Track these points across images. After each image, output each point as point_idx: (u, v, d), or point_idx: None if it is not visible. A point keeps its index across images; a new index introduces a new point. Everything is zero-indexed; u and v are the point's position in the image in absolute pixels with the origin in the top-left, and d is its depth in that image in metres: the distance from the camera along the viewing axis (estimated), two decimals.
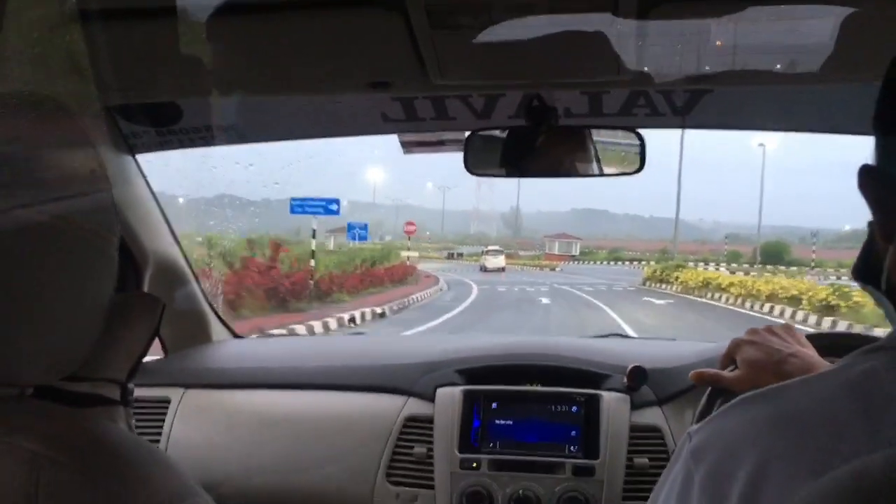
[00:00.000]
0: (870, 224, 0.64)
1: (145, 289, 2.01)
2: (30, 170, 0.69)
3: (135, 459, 0.74)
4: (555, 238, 79.62)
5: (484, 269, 46.03)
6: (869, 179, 0.63)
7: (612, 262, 65.86)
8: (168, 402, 2.07)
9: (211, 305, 2.42)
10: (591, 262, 66.79)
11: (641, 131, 1.76)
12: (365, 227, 31.57)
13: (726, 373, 1.32)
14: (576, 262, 65.58)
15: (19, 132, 0.70)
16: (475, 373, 2.02)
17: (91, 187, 0.75)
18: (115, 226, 0.78)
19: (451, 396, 1.94)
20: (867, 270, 0.64)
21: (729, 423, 0.70)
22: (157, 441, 2.00)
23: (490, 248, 56.82)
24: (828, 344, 1.53)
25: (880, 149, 0.63)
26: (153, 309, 0.88)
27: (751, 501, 0.61)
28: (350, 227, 31.26)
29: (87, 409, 0.79)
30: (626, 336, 2.52)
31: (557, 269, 52.70)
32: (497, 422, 1.91)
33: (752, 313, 19.54)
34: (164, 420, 2.04)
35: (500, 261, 48.47)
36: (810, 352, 1.28)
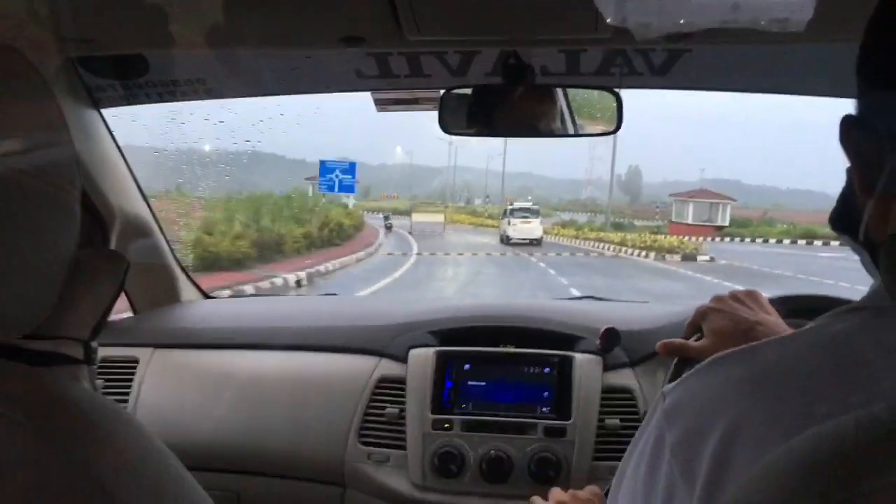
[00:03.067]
0: (848, 172, 0.63)
1: (112, 247, 1.96)
2: None
3: (98, 419, 0.72)
4: (688, 198, 45.43)
5: (506, 240, 30.40)
6: (851, 130, 0.62)
7: (796, 242, 35.91)
8: (137, 362, 2.05)
9: (181, 265, 2.38)
10: (753, 241, 38.19)
11: (621, 91, 1.74)
12: (350, 170, 24.01)
13: (693, 342, 1.32)
14: (726, 241, 37.43)
15: None
16: (448, 334, 2.02)
17: (50, 139, 0.72)
18: (77, 179, 0.75)
19: (424, 357, 1.94)
20: (844, 221, 0.63)
21: (702, 383, 0.69)
22: (126, 402, 1.98)
23: (517, 204, 35.98)
24: (793, 307, 1.55)
25: (863, 100, 0.62)
26: (117, 266, 0.86)
27: (722, 462, 0.60)
28: (324, 170, 23.71)
29: (49, 367, 0.77)
30: (600, 298, 2.52)
31: (703, 254, 25.42)
32: (470, 383, 1.91)
33: None
34: (132, 380, 2.02)
35: (533, 227, 31.13)
36: (775, 318, 1.28)
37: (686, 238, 30.94)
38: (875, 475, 0.42)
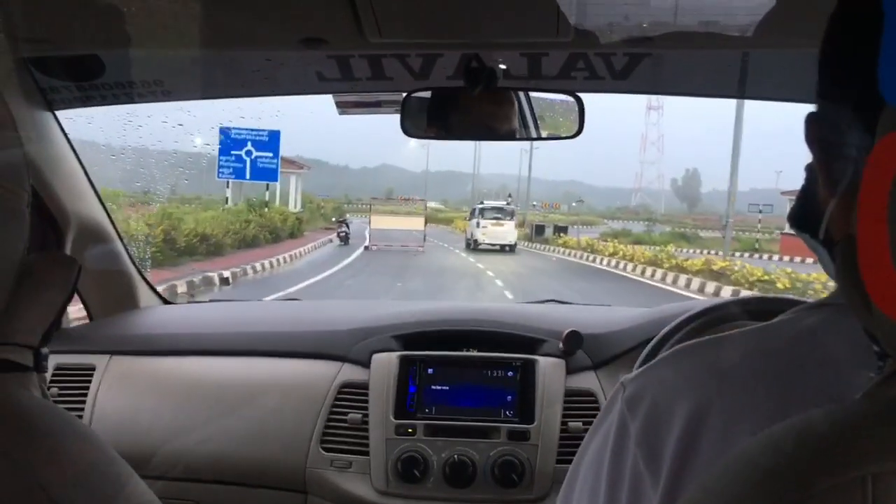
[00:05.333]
0: (809, 170, 0.63)
1: (67, 252, 1.92)
2: None
3: (48, 428, 0.70)
4: None
5: (472, 245, 28.08)
6: (815, 128, 0.61)
7: None
8: (93, 369, 2.00)
9: (139, 270, 2.34)
10: None
11: (582, 96, 1.75)
12: (271, 145, 17.51)
13: None
14: None
15: None
16: (411, 338, 2.01)
17: None
18: (25, 181, 0.72)
19: (386, 362, 1.93)
20: (804, 218, 0.62)
21: (666, 372, 0.69)
22: (82, 410, 1.93)
23: (487, 203, 31.15)
24: (756, 308, 1.56)
25: (825, 98, 0.61)
26: (68, 270, 0.83)
27: (687, 452, 0.60)
28: (226, 146, 17.16)
29: None
30: (563, 302, 2.53)
31: None
32: (433, 387, 1.91)
33: None
34: (88, 388, 1.98)
35: (506, 230, 27.99)
36: None
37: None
38: (831, 474, 0.41)
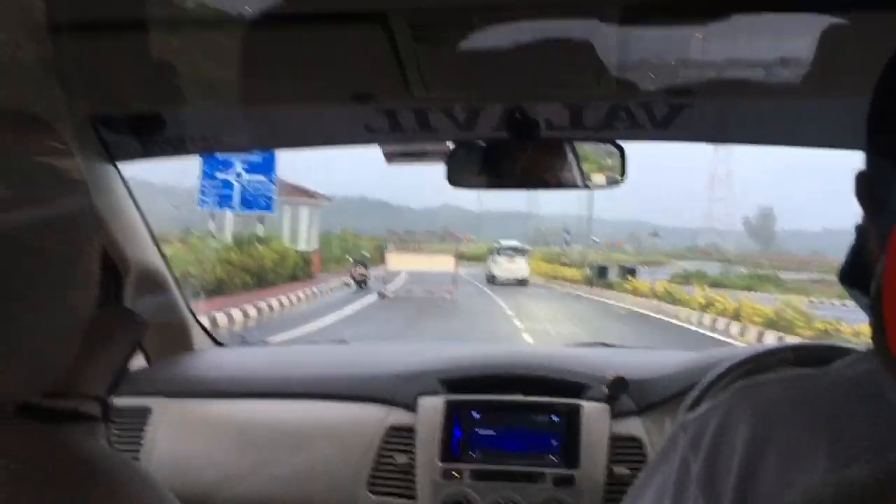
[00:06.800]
0: (858, 228, 0.64)
1: (126, 297, 1.99)
2: (5, 180, 0.69)
3: (110, 474, 0.74)
4: None
5: (490, 279, 30.23)
6: (866, 184, 0.62)
7: None
8: (149, 411, 2.06)
9: (192, 313, 2.40)
10: None
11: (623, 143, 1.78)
12: (265, 166, 14.17)
13: None
14: None
15: (9, 163, 0.70)
16: (457, 382, 2.03)
17: (70, 200, 0.75)
18: (95, 239, 0.77)
19: (433, 406, 1.95)
20: (855, 275, 0.63)
21: (727, 412, 0.68)
22: (138, 451, 1.99)
23: (503, 242, 34.68)
24: (804, 356, 1.55)
25: (876, 156, 0.62)
26: (135, 325, 0.88)
27: (746, 490, 0.60)
28: (208, 169, 13.77)
29: (66, 425, 0.79)
30: (608, 345, 2.53)
31: None
32: (479, 431, 1.92)
33: None
34: (144, 430, 2.03)
35: (518, 267, 30.68)
36: None
37: None
38: None
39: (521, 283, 29.93)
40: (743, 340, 15.20)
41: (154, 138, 1.85)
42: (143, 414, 2.06)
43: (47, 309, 0.71)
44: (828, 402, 0.62)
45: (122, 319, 0.88)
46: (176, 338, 2.35)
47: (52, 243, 0.71)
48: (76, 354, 0.75)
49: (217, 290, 15.71)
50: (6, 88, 1.39)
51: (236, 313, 14.29)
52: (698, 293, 22.18)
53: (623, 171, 1.77)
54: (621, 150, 1.77)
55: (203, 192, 14.70)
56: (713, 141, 1.96)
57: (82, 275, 0.75)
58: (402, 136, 1.91)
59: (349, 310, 17.19)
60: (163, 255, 2.19)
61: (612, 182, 1.81)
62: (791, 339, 12.86)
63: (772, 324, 15.82)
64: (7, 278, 0.67)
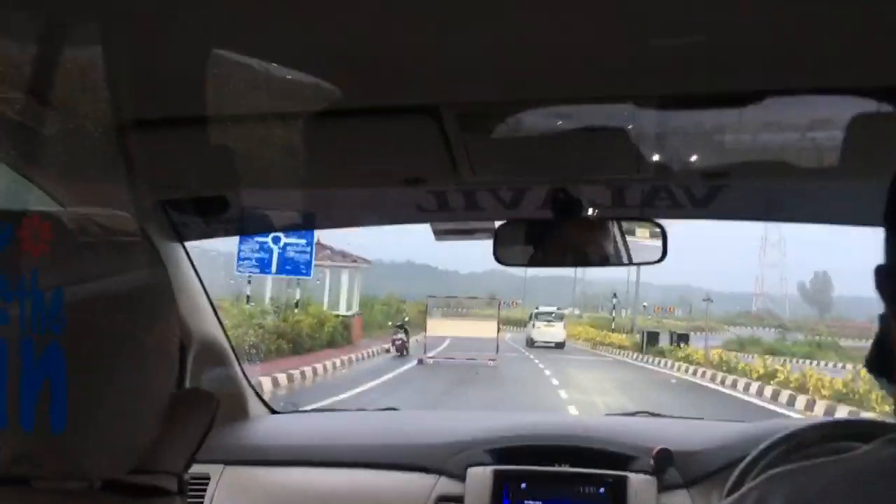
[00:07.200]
0: (882, 318, 0.66)
1: (189, 367, 2.08)
2: (102, 275, 0.77)
3: None
4: None
5: (530, 343, 31.93)
6: (886, 278, 0.64)
7: None
8: (208, 478, 2.12)
9: (249, 382, 2.49)
10: None
11: (663, 222, 1.84)
12: (305, 245, 14.30)
13: None
14: None
15: (94, 251, 0.78)
16: (505, 452, 2.06)
17: (155, 293, 0.83)
18: (175, 324, 0.85)
19: (481, 476, 1.98)
20: (881, 363, 0.65)
21: (760, 500, 0.68)
22: None
23: (541, 308, 36.17)
24: (842, 432, 1.56)
25: (892, 246, 0.64)
26: (208, 404, 0.95)
27: None
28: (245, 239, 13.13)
29: (147, 500, 0.85)
30: (654, 414, 2.54)
31: None
32: (526, 502, 1.94)
33: None
34: (203, 496, 2.10)
35: (555, 331, 32.34)
36: None
37: None
38: None
39: (559, 346, 31.61)
40: (810, 416, 13.04)
41: (218, 218, 1.96)
42: (202, 481, 2.13)
43: (134, 390, 0.78)
44: (857, 488, 0.63)
45: (197, 398, 0.95)
46: (233, 405, 2.42)
47: (137, 326, 0.78)
48: (157, 432, 0.82)
49: (249, 356, 14.97)
50: (85, 181, 1.52)
51: (265, 381, 13.89)
52: (758, 362, 20.93)
53: (664, 249, 1.83)
54: (662, 228, 1.83)
55: (241, 257, 14.90)
56: (753, 219, 2.01)
57: (164, 355, 0.82)
58: (450, 216, 1.99)
59: (386, 377, 16.83)
60: (222, 327, 2.29)
61: (652, 259, 1.86)
62: (866, 416, 12.02)
63: (841, 397, 14.62)
64: (97, 361, 0.74)
